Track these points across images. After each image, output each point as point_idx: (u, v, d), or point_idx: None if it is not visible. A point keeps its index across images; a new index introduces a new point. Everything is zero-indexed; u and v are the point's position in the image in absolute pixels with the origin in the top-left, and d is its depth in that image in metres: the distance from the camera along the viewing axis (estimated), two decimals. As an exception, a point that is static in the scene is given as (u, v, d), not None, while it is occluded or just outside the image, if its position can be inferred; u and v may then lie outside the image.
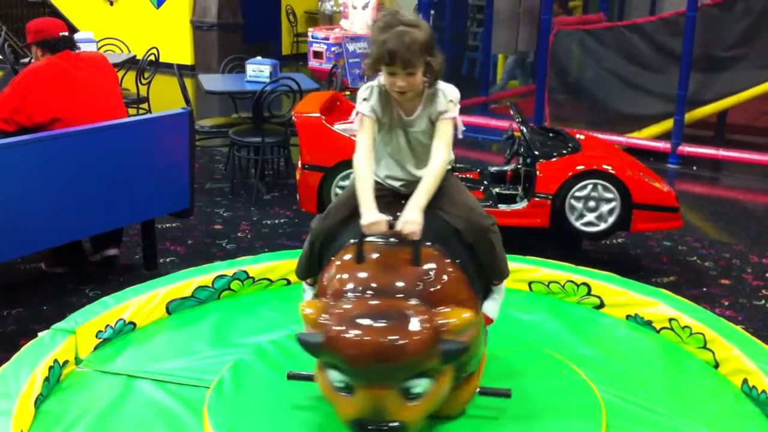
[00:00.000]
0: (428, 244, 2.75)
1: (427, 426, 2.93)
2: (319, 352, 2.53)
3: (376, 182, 2.88)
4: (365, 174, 2.77)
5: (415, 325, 2.49)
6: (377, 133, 2.89)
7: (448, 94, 2.84)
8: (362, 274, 2.66)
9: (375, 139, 2.88)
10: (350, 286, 2.65)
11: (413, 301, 2.58)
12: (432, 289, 2.66)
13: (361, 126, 2.84)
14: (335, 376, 2.54)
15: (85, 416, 3.10)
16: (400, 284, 2.63)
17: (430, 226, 2.75)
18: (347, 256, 2.76)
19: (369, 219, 2.67)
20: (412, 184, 2.85)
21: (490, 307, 3.03)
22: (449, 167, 2.94)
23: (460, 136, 2.86)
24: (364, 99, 2.85)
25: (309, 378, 2.97)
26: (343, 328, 2.48)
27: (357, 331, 2.47)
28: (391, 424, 2.50)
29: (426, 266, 2.70)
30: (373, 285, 2.62)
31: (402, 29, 2.68)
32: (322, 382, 2.64)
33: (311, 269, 3.05)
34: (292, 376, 3.08)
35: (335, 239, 2.89)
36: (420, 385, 2.52)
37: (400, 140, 2.89)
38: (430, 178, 2.77)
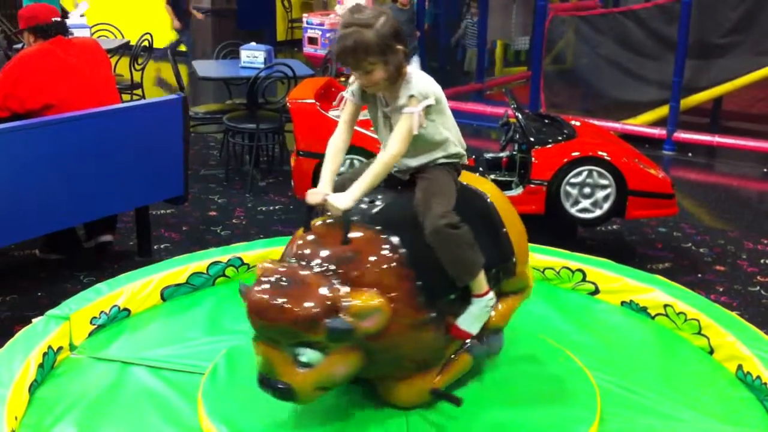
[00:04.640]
0: (377, 228, 2.80)
1: (423, 413, 2.95)
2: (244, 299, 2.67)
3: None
4: (329, 153, 2.91)
5: (307, 294, 2.58)
6: (372, 122, 2.96)
7: (411, 88, 2.79)
8: (299, 243, 2.80)
9: (352, 122, 2.97)
10: (289, 251, 2.80)
11: (329, 275, 2.66)
12: (352, 270, 2.69)
13: (342, 107, 2.95)
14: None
15: (80, 402, 3.10)
16: (322, 257, 2.71)
17: (387, 212, 2.84)
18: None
19: (312, 190, 2.78)
20: (402, 173, 2.97)
21: (462, 320, 2.92)
22: (456, 161, 2.98)
23: (415, 132, 2.78)
24: (350, 83, 2.93)
25: None
26: (258, 285, 2.63)
27: (256, 288, 2.61)
28: (278, 385, 2.64)
29: (356, 247, 2.74)
30: (302, 253, 2.75)
31: (351, 31, 2.68)
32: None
33: None
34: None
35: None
36: (306, 354, 2.61)
37: (386, 129, 2.93)
38: (369, 171, 2.78)
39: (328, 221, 2.82)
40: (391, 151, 2.78)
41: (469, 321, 2.93)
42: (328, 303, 2.56)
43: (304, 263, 2.70)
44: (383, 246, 2.77)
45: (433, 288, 2.82)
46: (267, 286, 2.60)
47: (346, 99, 2.94)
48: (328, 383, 2.72)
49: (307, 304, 2.55)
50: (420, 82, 2.80)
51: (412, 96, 2.77)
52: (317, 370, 2.63)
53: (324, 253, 2.72)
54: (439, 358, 2.98)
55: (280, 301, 2.55)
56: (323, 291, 2.59)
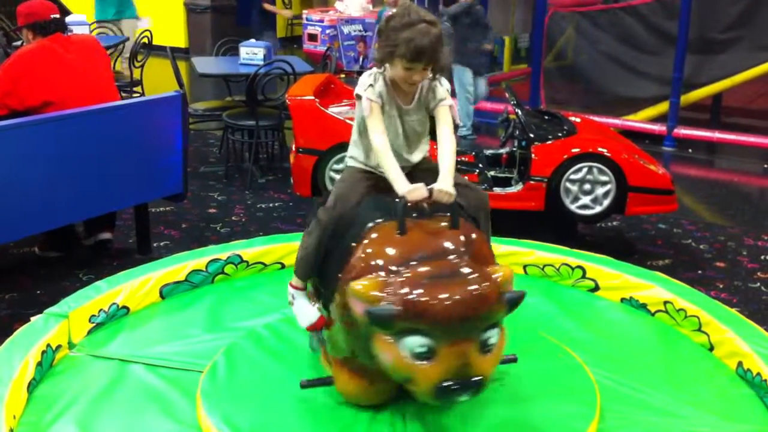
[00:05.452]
0: (447, 214, 2.84)
1: (421, 411, 2.94)
2: (394, 322, 2.52)
3: (370, 171, 3.00)
4: (388, 152, 2.87)
5: (483, 277, 2.59)
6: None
7: (445, 84, 2.96)
8: (409, 244, 2.73)
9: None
10: (399, 256, 2.69)
11: (466, 259, 2.67)
12: (475, 249, 2.75)
13: (371, 111, 2.88)
14: (415, 343, 2.53)
15: (78, 401, 3.09)
16: (448, 247, 2.71)
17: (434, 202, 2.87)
18: (375, 234, 2.80)
19: (408, 186, 2.76)
20: (405, 168, 2.95)
21: None
22: None
23: (459, 122, 2.99)
24: (370, 85, 2.89)
25: (324, 383, 3.00)
26: (420, 290, 2.53)
27: (436, 290, 2.52)
28: (475, 380, 2.54)
29: (463, 230, 2.79)
30: (423, 252, 2.69)
31: (425, 27, 2.75)
32: (394, 357, 2.58)
33: (315, 267, 3.02)
34: (306, 385, 3.03)
35: (349, 227, 2.89)
36: (494, 334, 2.60)
37: (397, 128, 2.97)
38: (450, 157, 2.87)
39: (408, 220, 2.80)
40: (454, 141, 2.93)
41: None
42: (493, 278, 2.60)
43: (440, 257, 2.67)
44: (471, 226, 2.87)
45: None
46: (438, 286, 2.53)
47: (372, 102, 2.88)
48: (499, 361, 2.74)
49: (490, 285, 2.57)
50: (444, 79, 2.98)
51: (447, 89, 2.95)
52: (497, 347, 2.64)
53: (448, 242, 2.73)
54: None
55: (472, 288, 2.53)
56: (483, 269, 2.63)
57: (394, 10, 2.87)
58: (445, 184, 2.78)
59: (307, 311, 3.07)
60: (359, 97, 2.90)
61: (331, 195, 2.99)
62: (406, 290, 2.54)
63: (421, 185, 2.77)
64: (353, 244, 2.82)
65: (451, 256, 2.68)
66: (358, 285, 2.59)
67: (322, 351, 3.16)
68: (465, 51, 7.95)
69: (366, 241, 2.80)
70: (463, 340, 2.52)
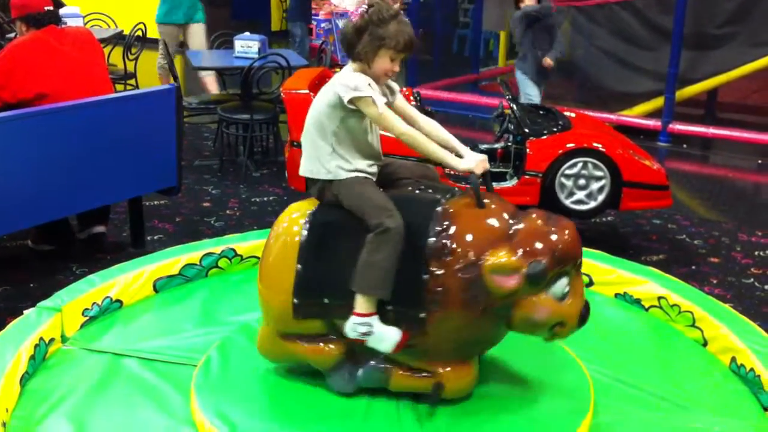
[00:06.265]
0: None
1: (415, 403, 2.94)
2: (549, 273, 2.71)
3: (365, 177, 2.95)
4: (423, 138, 2.92)
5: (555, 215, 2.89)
6: (359, 123, 2.93)
7: None
8: (495, 212, 2.86)
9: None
10: (501, 223, 2.83)
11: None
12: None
13: (383, 106, 2.86)
14: (563, 284, 2.77)
15: (72, 394, 3.09)
16: (512, 205, 2.95)
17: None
18: (455, 218, 2.83)
19: (469, 161, 2.88)
20: (378, 166, 3.02)
21: None
22: None
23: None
24: (369, 84, 2.86)
25: (437, 391, 2.93)
26: (551, 238, 2.73)
27: (558, 234, 2.76)
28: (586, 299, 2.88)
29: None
30: (508, 213, 2.86)
31: (404, 18, 2.84)
32: (549, 308, 2.77)
33: None
34: (433, 403, 2.94)
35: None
36: None
37: (367, 126, 2.97)
38: (448, 132, 3.02)
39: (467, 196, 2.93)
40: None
41: None
42: None
43: (522, 213, 2.87)
44: None
45: None
46: (560, 230, 2.77)
47: (377, 99, 2.84)
48: None
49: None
50: None
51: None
52: None
53: (507, 203, 2.97)
54: None
55: (572, 226, 2.82)
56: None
57: (364, 6, 2.85)
58: (473, 153, 2.91)
59: (389, 333, 2.83)
60: (355, 99, 2.82)
61: (370, 207, 2.82)
62: (541, 243, 2.72)
63: (472, 160, 2.88)
64: (431, 240, 2.79)
65: (522, 211, 2.89)
66: (499, 260, 2.71)
67: (398, 373, 2.95)
68: (533, 56, 7.10)
69: (454, 228, 2.81)
70: (580, 268, 2.85)
